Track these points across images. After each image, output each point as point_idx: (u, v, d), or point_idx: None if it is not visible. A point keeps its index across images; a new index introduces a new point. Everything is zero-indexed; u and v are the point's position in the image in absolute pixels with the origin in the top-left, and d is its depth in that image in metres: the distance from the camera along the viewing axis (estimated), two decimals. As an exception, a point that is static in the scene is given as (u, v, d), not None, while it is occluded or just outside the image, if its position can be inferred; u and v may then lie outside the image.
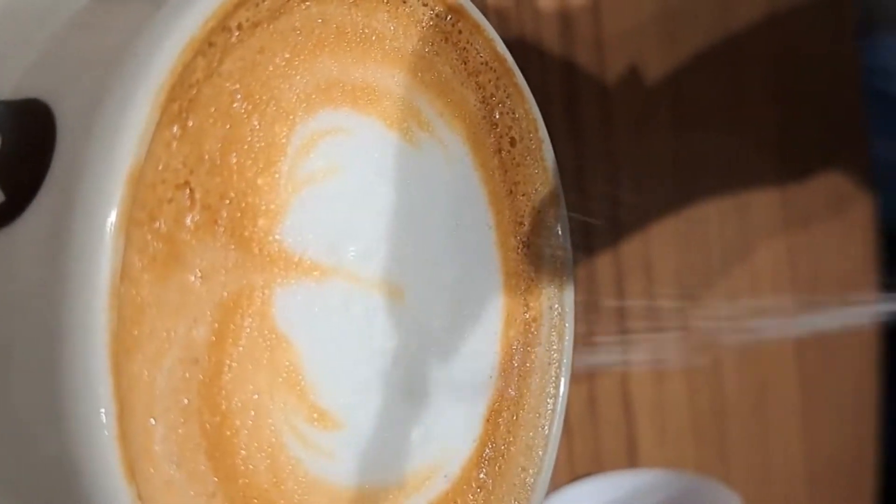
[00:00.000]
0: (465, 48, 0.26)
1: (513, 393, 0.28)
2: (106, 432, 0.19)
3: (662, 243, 0.52)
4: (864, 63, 0.70)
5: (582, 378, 0.48)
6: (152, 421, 0.20)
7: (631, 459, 0.52)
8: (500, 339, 0.27)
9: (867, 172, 0.67)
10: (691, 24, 0.52)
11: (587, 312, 0.47)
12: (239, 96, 0.21)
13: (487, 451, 0.27)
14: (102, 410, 0.18)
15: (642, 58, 0.49)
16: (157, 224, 0.20)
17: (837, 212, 0.64)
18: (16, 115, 0.20)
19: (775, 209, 0.60)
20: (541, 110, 0.27)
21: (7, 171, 0.19)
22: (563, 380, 0.28)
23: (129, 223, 0.19)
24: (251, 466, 0.21)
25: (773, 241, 0.59)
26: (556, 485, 0.46)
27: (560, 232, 0.28)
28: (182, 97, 0.20)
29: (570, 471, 0.47)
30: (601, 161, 0.46)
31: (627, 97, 0.48)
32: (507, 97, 0.27)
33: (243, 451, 0.21)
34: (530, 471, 0.28)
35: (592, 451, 0.49)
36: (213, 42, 0.21)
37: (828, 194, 0.64)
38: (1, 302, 0.19)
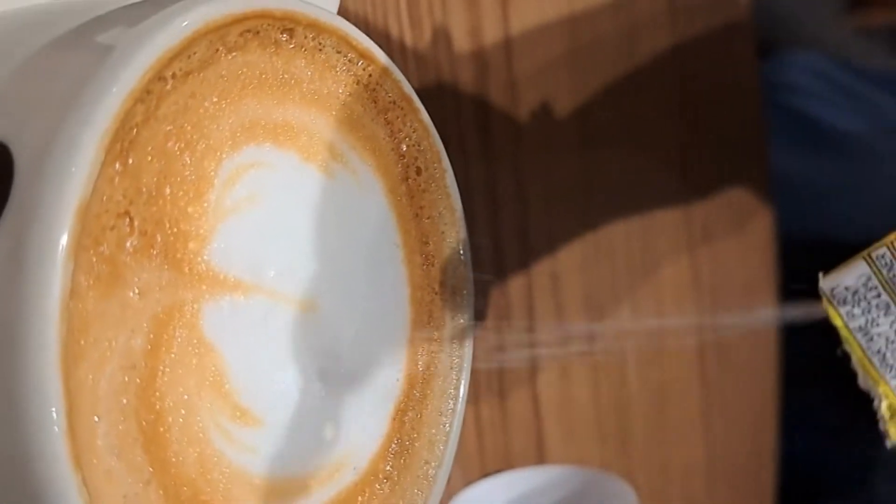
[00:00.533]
0: (374, 89, 0.30)
1: (417, 394, 0.31)
2: (56, 428, 0.22)
3: (570, 260, 0.55)
4: (767, 80, 0.74)
5: (493, 379, 0.51)
6: (96, 419, 0.23)
7: (539, 456, 0.55)
8: (407, 346, 0.31)
9: (767, 186, 0.71)
10: (598, 56, 0.56)
11: (496, 323, 0.50)
12: (173, 136, 0.24)
13: (393, 446, 0.30)
14: (53, 409, 0.22)
15: (553, 90, 0.53)
16: (101, 248, 0.23)
17: (738, 225, 0.69)
18: (-23, 153, 0.23)
19: (679, 226, 0.63)
20: (455, 139, 0.30)
21: (-31, 204, 0.22)
22: (462, 382, 0.32)
23: (77, 248, 0.22)
24: (181, 458, 0.25)
25: (677, 256, 0.63)
26: (467, 480, 0.50)
27: (461, 251, 0.32)
28: (123, 139, 0.23)
29: (481, 467, 0.51)
30: (511, 184, 0.50)
31: (537, 125, 0.51)
32: (413, 131, 0.31)
33: (175, 445, 0.24)
34: (433, 464, 0.31)
35: (503, 448, 0.52)
36: (150, 90, 0.24)
37: (730, 209, 0.68)
38: (-36, 316, 0.22)
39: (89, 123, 0.22)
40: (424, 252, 0.31)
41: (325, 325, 0.28)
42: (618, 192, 0.58)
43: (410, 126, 0.31)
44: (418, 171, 0.31)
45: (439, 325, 0.32)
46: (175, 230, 0.25)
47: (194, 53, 0.25)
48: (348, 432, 0.29)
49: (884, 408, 0.26)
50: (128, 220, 0.24)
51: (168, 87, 0.24)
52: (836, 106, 0.82)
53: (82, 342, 0.22)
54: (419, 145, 0.31)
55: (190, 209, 0.25)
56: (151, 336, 0.24)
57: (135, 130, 0.24)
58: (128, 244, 0.24)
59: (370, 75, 0.29)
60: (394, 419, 0.31)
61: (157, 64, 0.24)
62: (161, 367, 0.24)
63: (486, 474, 0.51)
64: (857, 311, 0.27)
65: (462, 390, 0.32)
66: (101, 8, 0.27)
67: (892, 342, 0.26)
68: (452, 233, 0.32)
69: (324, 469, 0.28)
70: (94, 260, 0.23)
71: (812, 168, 0.79)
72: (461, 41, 0.47)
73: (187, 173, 0.25)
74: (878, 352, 0.26)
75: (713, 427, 0.68)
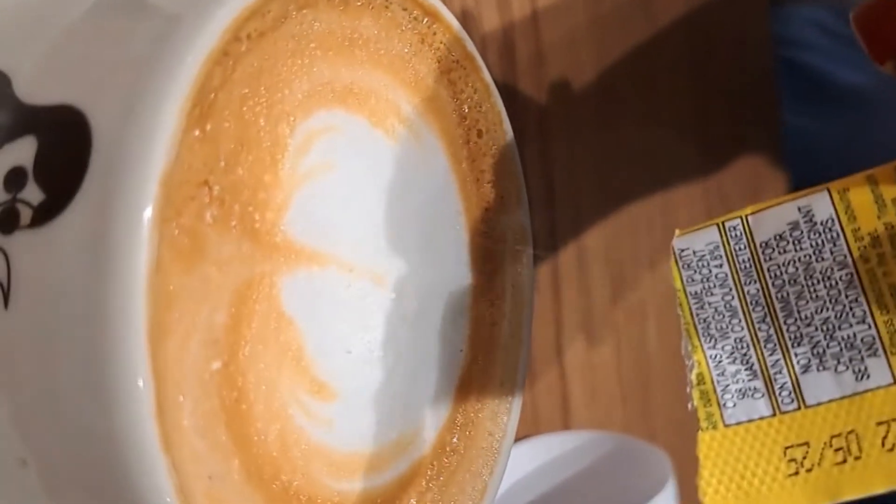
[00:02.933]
0: (438, 48, 0.28)
1: (481, 363, 0.30)
2: (145, 409, 0.21)
3: (592, 228, 0.55)
4: (774, 34, 0.73)
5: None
6: (181, 398, 0.22)
7: (565, 420, 0.55)
8: (470, 315, 0.30)
9: (779, 145, 0.71)
10: (617, 19, 0.55)
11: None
12: (249, 100, 0.23)
13: (459, 417, 0.30)
14: (143, 391, 0.21)
15: (575, 59, 0.52)
16: (183, 220, 0.22)
17: (754, 187, 0.68)
18: (52, 120, 0.22)
19: (696, 190, 0.63)
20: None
21: (46, 172, 0.21)
22: (523, 350, 0.31)
23: (161, 220, 0.21)
24: (263, 436, 0.24)
25: (694, 218, 0.63)
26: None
27: (521, 217, 0.31)
28: (202, 103, 0.22)
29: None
30: (536, 158, 0.49)
31: (561, 94, 0.51)
32: (474, 92, 0.30)
33: (257, 423, 0.23)
34: (496, 435, 0.30)
35: (529, 413, 0.52)
36: (227, 52, 0.23)
37: (745, 171, 0.67)
38: (45, 290, 0.21)
39: (170, 88, 0.21)
40: (485, 218, 0.30)
41: (392, 296, 0.27)
42: (637, 160, 0.58)
43: (472, 87, 0.30)
44: (479, 134, 0.30)
45: (500, 294, 0.31)
46: (253, 199, 0.23)
47: (269, 12, 0.24)
48: (417, 405, 0.28)
49: (693, 375, 0.26)
50: (207, 189, 0.22)
51: (243, 48, 0.23)
52: (839, 59, 0.82)
53: (167, 318, 0.21)
54: (481, 106, 0.30)
55: (266, 177, 0.24)
56: (233, 310, 0.23)
57: (213, 95, 0.22)
58: (207, 215, 0.22)
59: (434, 34, 0.28)
60: (458, 390, 0.30)
61: (234, 24, 0.23)
62: (242, 343, 0.23)
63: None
64: (697, 276, 0.26)
65: (523, 358, 0.31)
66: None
67: (720, 315, 0.26)
68: (512, 198, 0.31)
69: (395, 443, 0.28)
70: (177, 233, 0.22)
71: (820, 123, 0.78)
72: (490, 16, 0.46)
73: (263, 139, 0.24)
74: (705, 321, 0.26)
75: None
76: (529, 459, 0.50)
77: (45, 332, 0.21)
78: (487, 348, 0.30)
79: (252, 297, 0.23)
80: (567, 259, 0.54)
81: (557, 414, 0.54)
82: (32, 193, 0.21)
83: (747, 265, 0.26)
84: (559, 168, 0.51)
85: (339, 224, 0.26)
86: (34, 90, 0.23)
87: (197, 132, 0.22)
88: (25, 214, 0.21)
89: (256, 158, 0.24)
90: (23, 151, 0.22)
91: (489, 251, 0.31)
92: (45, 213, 0.21)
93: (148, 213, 0.21)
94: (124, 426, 0.21)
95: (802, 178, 0.73)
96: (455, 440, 0.29)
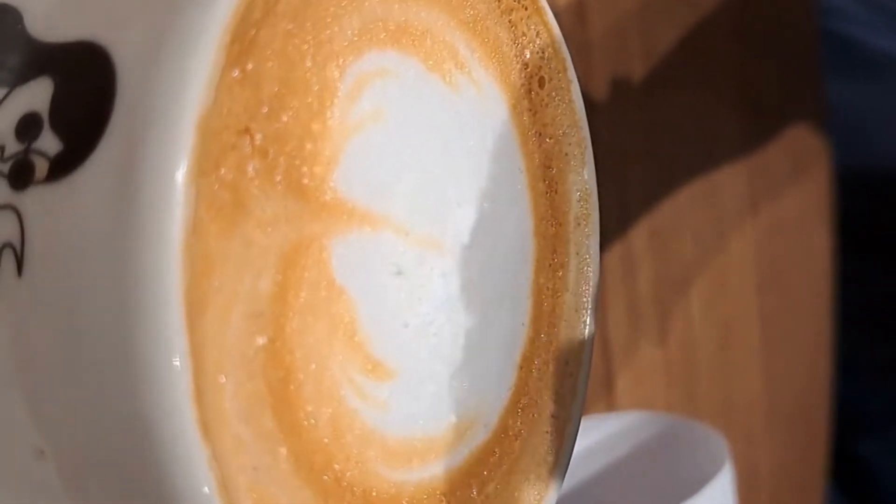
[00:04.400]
0: (498, -14, 0.25)
1: (544, 338, 0.27)
2: (182, 392, 0.18)
3: (638, 201, 0.52)
4: (819, 4, 0.70)
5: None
6: (223, 378, 0.19)
7: (609, 400, 0.52)
8: (532, 286, 0.27)
9: (822, 117, 0.68)
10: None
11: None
12: (294, 37, 0.20)
13: (523, 399, 0.27)
14: (179, 370, 0.18)
15: (621, 29, 0.49)
16: (222, 173, 0.19)
17: (796, 161, 0.65)
18: (70, 58, 0.19)
19: (739, 167, 0.60)
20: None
21: (64, 118, 0.18)
22: (588, 327, 0.28)
23: (199, 173, 0.18)
24: (313, 421, 0.21)
25: (738, 196, 0.60)
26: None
27: (587, 176, 0.28)
28: (242, 39, 0.19)
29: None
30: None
31: (609, 69, 0.48)
32: (536, 35, 0.27)
33: (307, 406, 0.20)
34: (561, 418, 0.28)
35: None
36: (270, -20, 0.20)
37: (788, 144, 0.64)
38: (64, 256, 0.18)
39: (207, 18, 0.18)
40: (548, 177, 0.27)
41: (451, 264, 0.24)
42: (683, 135, 0.55)
43: (534, 30, 0.26)
44: (541, 83, 0.27)
45: (563, 262, 0.28)
46: (299, 151, 0.20)
47: (315, -64, 0.21)
48: (478, 385, 0.25)
49: None
50: (248, 138, 0.19)
51: (288, -24, 0.20)
52: (883, 30, 0.78)
53: (205, 287, 0.18)
54: (543, 52, 0.27)
55: (314, 126, 0.21)
56: (279, 278, 0.20)
57: (254, 29, 0.19)
58: (249, 168, 0.19)
59: (494, -30, 0.25)
60: (521, 369, 0.27)
61: (278, -53, 0.20)
62: (290, 314, 0.20)
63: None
64: None
65: (588, 333, 0.28)
66: None
67: None
68: (577, 154, 0.28)
69: (454, 427, 0.25)
70: (216, 187, 0.19)
71: (863, 95, 0.75)
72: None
73: (311, 82, 0.21)
74: None
75: (772, 364, 0.65)
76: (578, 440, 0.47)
77: (64, 304, 0.18)
78: (550, 321, 0.27)
79: (300, 262, 0.20)
80: (611, 231, 0.51)
81: (601, 395, 0.51)
82: (48, 143, 0.18)
83: None
84: (604, 135, 0.48)
85: (392, 182, 0.23)
86: (49, 25, 0.20)
87: (237, 72, 0.19)
88: (41, 167, 0.18)
89: (303, 104, 0.21)
90: (37, 95, 0.19)
91: (552, 212, 0.28)
92: (64, 166, 0.18)
93: (183, 164, 0.18)
94: (158, 411, 0.18)
95: (845, 151, 0.70)
96: (519, 424, 0.27)
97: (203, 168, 0.18)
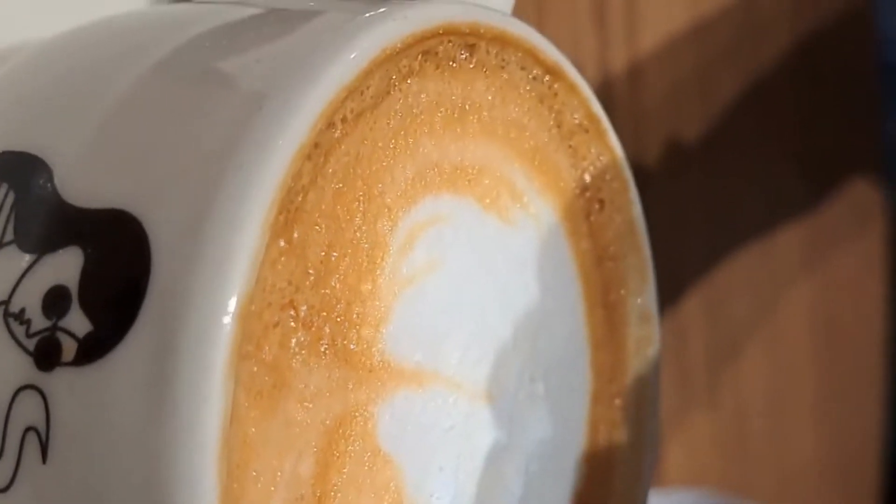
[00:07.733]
0: (560, 111, 0.24)
1: (599, 479, 0.26)
2: None
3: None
4: (878, 36, 0.67)
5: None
6: (260, 573, 0.18)
7: (658, 469, 0.50)
8: (587, 421, 0.26)
9: (880, 164, 0.66)
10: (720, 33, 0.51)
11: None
12: (343, 196, 0.19)
13: (576, 541, 0.25)
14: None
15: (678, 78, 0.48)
16: (264, 354, 0.18)
17: (855, 223, 0.63)
18: (101, 229, 0.17)
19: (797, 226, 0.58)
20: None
21: (94, 296, 0.17)
22: (647, 461, 0.26)
23: (238, 358, 0.17)
24: None
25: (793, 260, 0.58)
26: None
27: (648, 298, 0.26)
28: (289, 207, 0.18)
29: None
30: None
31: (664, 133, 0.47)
32: (597, 158, 0.25)
33: (349, 590, 0.19)
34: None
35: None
36: (318, 143, 0.18)
37: (846, 202, 0.62)
38: (91, 445, 0.17)
39: (251, 192, 0.17)
40: (606, 303, 0.26)
41: (505, 415, 0.23)
42: (742, 195, 0.53)
43: (596, 152, 0.25)
44: (601, 205, 0.25)
45: (620, 391, 0.26)
46: (347, 316, 0.19)
47: (368, 88, 0.19)
48: (528, 533, 0.24)
49: None
50: (292, 311, 0.18)
51: (337, 134, 0.19)
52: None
53: (243, 480, 0.17)
54: (605, 175, 0.25)
55: (363, 286, 0.19)
56: (321, 455, 0.19)
57: (300, 196, 0.18)
58: (293, 343, 0.18)
59: (556, 94, 0.24)
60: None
61: (328, 109, 0.18)
62: (332, 493, 0.19)
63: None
64: None
65: (646, 473, 0.26)
66: (225, 15, 0.21)
67: None
68: (637, 277, 0.26)
69: (503, 583, 0.23)
70: (256, 370, 0.17)
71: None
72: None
73: (360, 241, 0.19)
74: None
75: (825, 422, 0.63)
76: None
77: (90, 498, 0.17)
78: (607, 461, 0.26)
79: (344, 434, 0.19)
80: (663, 299, 0.49)
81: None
82: (77, 322, 0.17)
83: None
84: (660, 207, 0.47)
85: (444, 333, 0.21)
86: (80, 186, 0.18)
87: (282, 243, 0.18)
88: (68, 348, 0.17)
89: (352, 265, 0.19)
90: (66, 266, 0.18)
91: (609, 339, 0.26)
92: (93, 349, 0.17)
93: (224, 351, 0.16)
94: None
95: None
96: (571, 568, 0.25)
97: (244, 352, 0.17)
